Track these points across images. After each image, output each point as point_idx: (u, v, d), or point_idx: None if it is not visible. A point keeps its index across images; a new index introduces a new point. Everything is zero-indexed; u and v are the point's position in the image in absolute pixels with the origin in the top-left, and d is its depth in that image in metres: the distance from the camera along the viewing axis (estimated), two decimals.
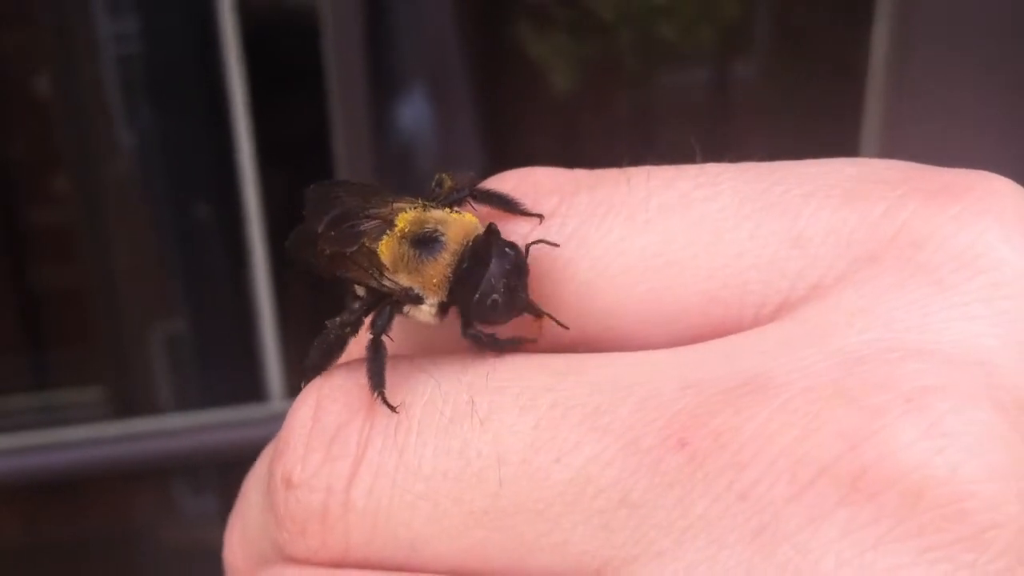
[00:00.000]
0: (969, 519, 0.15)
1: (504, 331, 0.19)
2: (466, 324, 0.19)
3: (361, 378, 0.19)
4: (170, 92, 1.34)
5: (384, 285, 0.20)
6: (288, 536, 0.19)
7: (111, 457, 1.33)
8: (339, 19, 1.21)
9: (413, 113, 1.36)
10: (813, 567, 0.15)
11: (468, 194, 0.21)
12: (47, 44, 1.32)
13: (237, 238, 1.30)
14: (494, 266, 0.19)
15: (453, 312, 0.20)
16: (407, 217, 0.20)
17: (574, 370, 0.18)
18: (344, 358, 0.21)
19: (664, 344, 0.18)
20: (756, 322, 0.18)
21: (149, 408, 1.38)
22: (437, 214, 0.20)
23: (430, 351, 0.20)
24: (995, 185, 0.17)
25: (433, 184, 0.22)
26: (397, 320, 0.20)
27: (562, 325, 0.19)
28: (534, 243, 0.19)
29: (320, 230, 0.21)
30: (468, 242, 0.20)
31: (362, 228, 0.21)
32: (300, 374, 0.20)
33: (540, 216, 0.19)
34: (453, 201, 0.21)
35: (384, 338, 0.20)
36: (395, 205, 0.21)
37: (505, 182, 0.20)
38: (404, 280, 0.20)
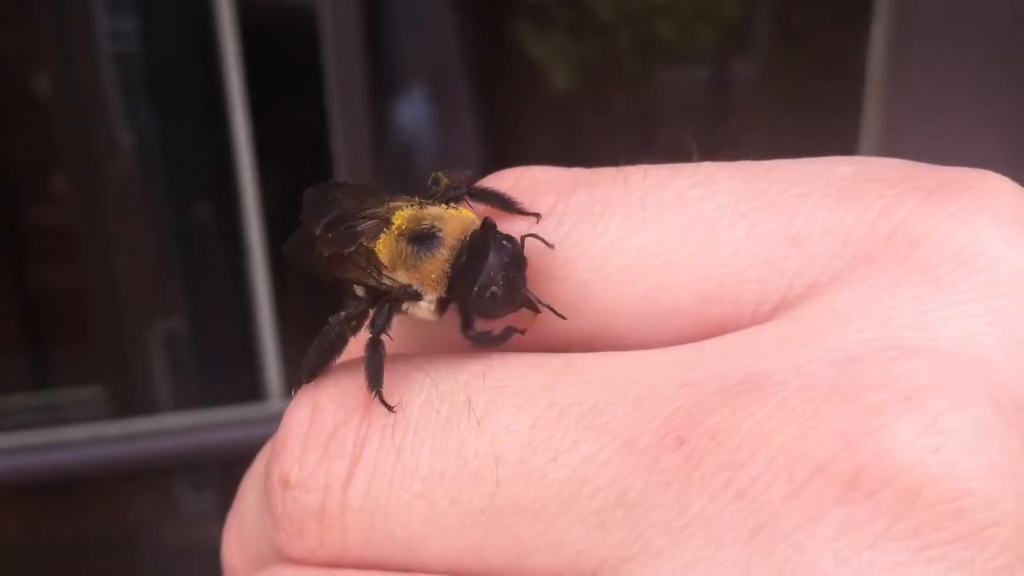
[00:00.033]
0: (966, 517, 0.15)
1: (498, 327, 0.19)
2: (465, 324, 0.19)
3: (358, 377, 0.19)
4: (170, 92, 1.34)
5: (383, 284, 0.20)
6: (285, 536, 0.19)
7: (111, 456, 1.33)
8: (338, 18, 1.21)
9: (412, 113, 1.36)
10: (811, 566, 0.15)
11: (465, 192, 0.21)
12: (46, 44, 1.32)
13: (236, 238, 1.30)
14: (492, 259, 0.19)
15: (452, 309, 0.20)
16: (404, 215, 0.20)
17: (571, 369, 0.18)
18: (344, 356, 0.21)
19: (661, 343, 0.18)
20: (753, 321, 0.18)
21: (149, 407, 1.39)
22: (433, 210, 0.20)
23: (427, 350, 0.20)
24: (992, 183, 0.17)
25: (429, 182, 0.22)
26: (396, 319, 0.20)
27: (560, 315, 0.19)
28: (527, 236, 0.19)
29: (318, 233, 0.21)
30: (465, 237, 0.20)
31: (359, 228, 0.21)
32: (299, 373, 0.20)
33: (537, 215, 0.19)
34: (450, 198, 0.21)
35: (383, 337, 0.20)
36: (392, 204, 0.21)
37: (503, 180, 0.20)
38: (402, 277, 0.20)
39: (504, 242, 0.19)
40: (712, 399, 0.16)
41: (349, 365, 0.20)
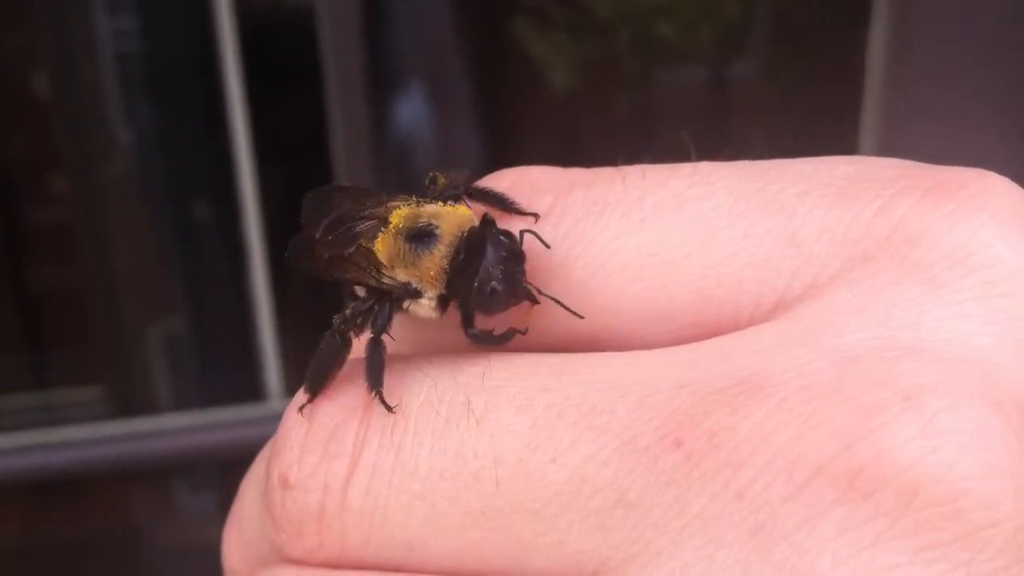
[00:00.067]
0: (965, 517, 0.15)
1: (500, 326, 0.19)
2: (466, 322, 0.19)
3: (358, 377, 0.19)
4: (169, 91, 1.34)
5: (383, 283, 0.20)
6: (285, 536, 0.19)
7: (110, 456, 1.33)
8: (337, 17, 1.21)
9: (412, 112, 1.36)
10: (810, 566, 0.15)
11: (464, 192, 0.21)
12: (46, 43, 1.32)
13: (236, 237, 1.30)
14: (490, 254, 0.19)
15: (453, 307, 0.20)
16: (401, 213, 0.20)
17: (570, 370, 0.18)
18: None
19: (660, 343, 0.18)
20: (751, 321, 0.18)
21: (148, 408, 1.38)
22: (430, 208, 0.20)
23: (428, 350, 0.20)
24: (990, 183, 0.17)
25: (427, 182, 0.22)
26: (397, 319, 0.20)
27: (569, 309, 0.19)
28: (525, 231, 0.19)
29: (317, 236, 0.21)
30: (463, 233, 0.20)
31: (358, 229, 0.21)
32: (307, 380, 0.20)
33: (535, 215, 0.19)
34: (448, 197, 0.21)
35: (384, 337, 0.20)
36: (390, 204, 0.21)
37: (501, 181, 0.20)
38: (401, 275, 0.20)
39: (502, 237, 0.19)
40: (711, 400, 0.16)
41: (349, 365, 0.20)
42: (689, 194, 0.18)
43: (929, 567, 0.15)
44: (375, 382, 0.19)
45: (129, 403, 1.40)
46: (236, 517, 0.21)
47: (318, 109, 1.24)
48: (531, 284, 0.19)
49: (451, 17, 1.34)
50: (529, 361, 0.18)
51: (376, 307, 0.20)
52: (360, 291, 0.21)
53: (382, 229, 0.20)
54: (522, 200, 0.20)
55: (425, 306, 0.20)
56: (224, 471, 1.33)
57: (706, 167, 0.19)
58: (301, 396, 0.19)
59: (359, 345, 0.20)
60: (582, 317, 0.19)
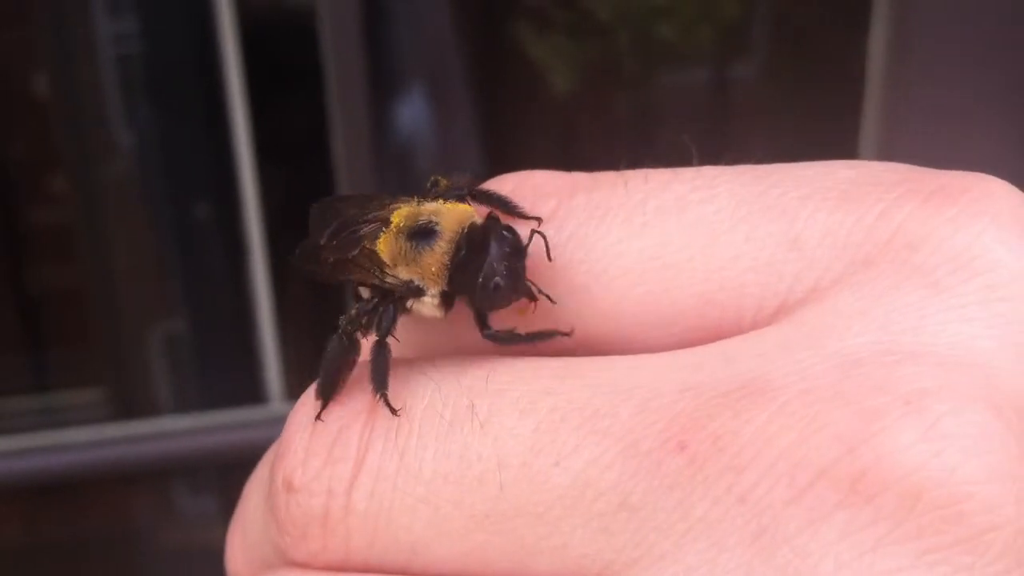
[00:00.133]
0: (967, 521, 0.15)
1: (499, 324, 0.19)
2: (481, 324, 0.19)
3: (363, 380, 0.19)
4: (169, 92, 1.34)
5: (386, 283, 0.20)
6: (289, 540, 0.19)
7: (110, 459, 1.32)
8: (338, 18, 1.21)
9: (412, 113, 1.36)
10: (812, 569, 0.15)
11: (467, 194, 0.21)
12: (46, 44, 1.32)
13: (236, 238, 1.30)
14: (494, 249, 0.19)
15: (457, 307, 0.20)
16: (401, 213, 0.21)
17: (573, 373, 0.18)
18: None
19: (662, 347, 0.18)
20: (754, 325, 0.18)
21: (148, 410, 1.38)
22: (430, 206, 0.21)
23: (433, 353, 0.20)
24: (992, 187, 0.17)
25: (428, 185, 0.22)
26: (402, 321, 0.20)
27: (552, 300, 0.19)
28: (535, 231, 0.19)
29: (322, 242, 0.21)
30: (463, 229, 0.20)
31: (362, 232, 0.21)
32: (319, 388, 0.20)
33: (538, 219, 0.19)
34: (450, 197, 0.21)
35: (389, 340, 0.20)
36: (392, 206, 0.21)
37: (503, 185, 0.20)
38: (404, 274, 0.20)
39: (505, 232, 0.19)
40: (714, 403, 0.16)
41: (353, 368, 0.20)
42: (691, 198, 0.19)
43: (931, 570, 0.15)
44: (379, 385, 0.19)
45: (129, 405, 1.40)
46: (240, 520, 0.21)
47: (318, 110, 1.24)
48: (531, 281, 0.19)
49: (451, 18, 1.34)
50: (532, 365, 0.18)
51: (380, 307, 0.20)
52: (364, 292, 0.21)
53: (383, 229, 0.20)
54: (525, 204, 0.20)
55: (428, 304, 0.20)
56: (225, 473, 1.34)
57: (708, 171, 0.19)
58: (312, 401, 0.19)
59: (365, 347, 0.20)
60: (554, 302, 0.19)
